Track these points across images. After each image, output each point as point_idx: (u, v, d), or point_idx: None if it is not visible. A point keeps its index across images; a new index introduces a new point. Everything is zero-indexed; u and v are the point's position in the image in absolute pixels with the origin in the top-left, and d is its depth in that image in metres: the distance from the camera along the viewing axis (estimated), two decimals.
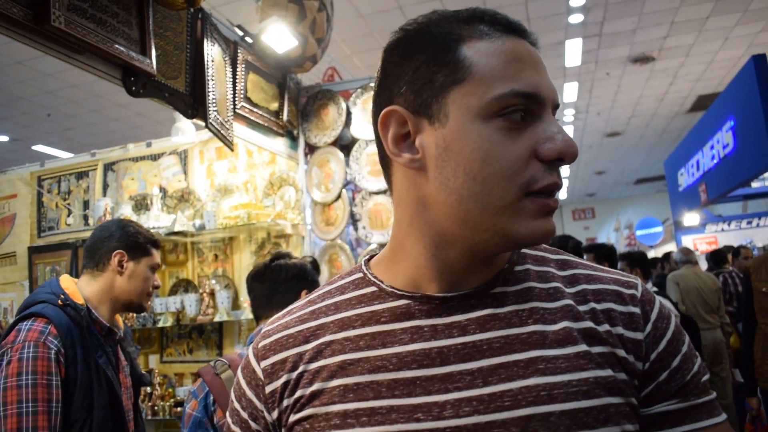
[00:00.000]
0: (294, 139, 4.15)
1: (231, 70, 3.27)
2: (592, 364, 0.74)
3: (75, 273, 4.33)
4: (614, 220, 20.02)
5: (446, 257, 0.79)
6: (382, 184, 3.94)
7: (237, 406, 0.86)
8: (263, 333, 0.88)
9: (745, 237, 10.91)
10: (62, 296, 1.99)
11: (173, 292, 4.25)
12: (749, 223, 11.26)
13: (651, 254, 12.48)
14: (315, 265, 2.43)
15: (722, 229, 11.05)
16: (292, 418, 0.79)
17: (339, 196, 4.04)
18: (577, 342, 0.76)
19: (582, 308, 0.80)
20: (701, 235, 11.21)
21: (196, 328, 4.21)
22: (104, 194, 4.46)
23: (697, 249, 10.46)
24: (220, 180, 4.21)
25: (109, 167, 4.55)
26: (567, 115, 11.91)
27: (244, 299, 3.96)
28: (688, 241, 10.93)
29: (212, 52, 2.99)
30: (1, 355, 1.82)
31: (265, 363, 0.83)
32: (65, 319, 1.93)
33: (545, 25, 8.08)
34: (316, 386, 0.78)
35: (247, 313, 3.81)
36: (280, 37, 3.50)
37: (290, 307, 0.90)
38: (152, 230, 3.86)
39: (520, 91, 0.71)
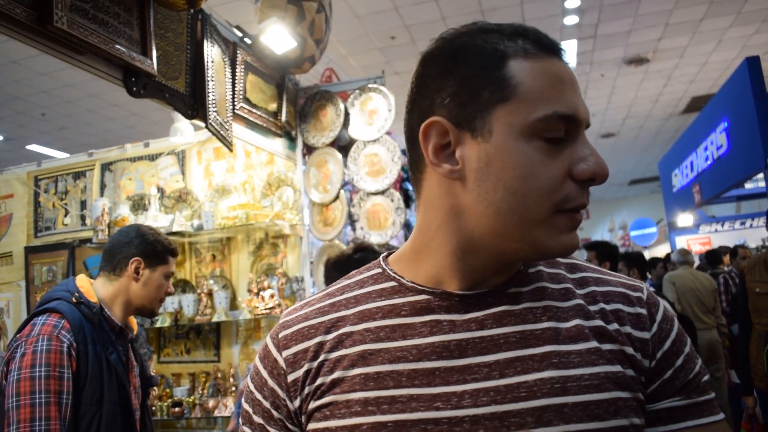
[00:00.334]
0: (292, 140, 4.16)
1: (230, 70, 3.28)
2: (602, 360, 0.79)
3: (72, 273, 4.33)
4: (608, 220, 20.09)
5: (472, 261, 0.82)
6: (380, 185, 3.95)
7: (258, 396, 0.87)
8: (282, 324, 0.89)
9: (739, 238, 10.95)
10: (76, 294, 2.05)
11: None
12: (743, 224, 11.31)
13: (649, 255, 12.51)
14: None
15: (716, 230, 11.11)
16: (312, 405, 0.81)
17: (337, 197, 4.05)
18: (589, 339, 0.80)
19: (592, 308, 0.85)
20: (695, 236, 11.26)
21: (194, 329, 4.21)
22: (102, 194, 4.46)
23: (691, 249, 10.50)
24: (218, 180, 4.21)
25: (106, 167, 4.55)
26: None
27: (242, 299, 3.97)
28: (682, 241, 10.98)
29: (212, 52, 3.00)
30: (15, 347, 1.87)
31: (287, 352, 0.85)
32: (78, 315, 1.99)
33: (540, 27, 7.89)
34: (336, 374, 0.80)
35: (245, 313, 3.82)
36: (278, 38, 3.51)
37: (308, 299, 0.93)
38: None
39: (562, 113, 0.75)
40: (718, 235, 11.12)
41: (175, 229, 3.88)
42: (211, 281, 4.12)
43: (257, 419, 0.86)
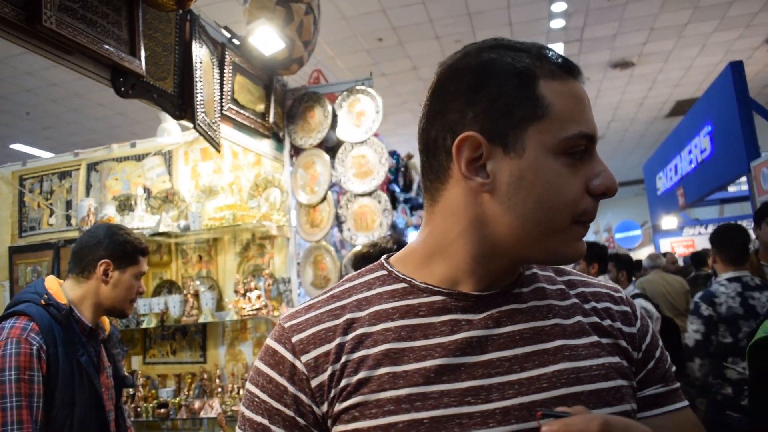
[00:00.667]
0: (280, 141, 4.16)
1: (218, 71, 3.28)
2: (604, 352, 0.88)
3: (57, 273, 4.30)
4: (594, 223, 20.13)
5: (490, 265, 0.87)
6: (367, 187, 3.96)
7: (277, 405, 0.84)
8: (291, 328, 0.88)
9: None
10: (45, 296, 2.03)
11: (157, 293, 4.23)
12: None
13: (634, 257, 12.56)
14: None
15: (699, 233, 11.20)
16: (339, 407, 0.82)
17: (324, 198, 4.05)
18: (590, 334, 0.90)
19: (586, 306, 0.94)
20: (679, 239, 11.36)
21: (180, 330, 4.19)
22: (87, 194, 4.43)
23: (675, 252, 10.58)
24: (205, 181, 4.20)
25: (92, 167, 4.52)
26: None
27: (229, 300, 3.96)
28: (666, 244, 11.07)
29: (200, 53, 2.99)
30: None
31: (307, 357, 0.84)
32: (47, 317, 1.97)
33: (527, 30, 8.15)
34: (362, 374, 0.82)
35: (231, 314, 3.81)
36: (267, 39, 3.51)
37: (311, 302, 0.92)
38: (136, 231, 3.85)
39: (586, 133, 0.82)
40: (701, 238, 11.20)
41: (161, 229, 3.86)
42: (198, 282, 4.11)
43: (277, 429, 0.84)
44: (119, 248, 2.19)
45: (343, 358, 0.83)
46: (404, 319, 0.86)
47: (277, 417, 0.84)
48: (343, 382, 0.82)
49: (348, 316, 0.87)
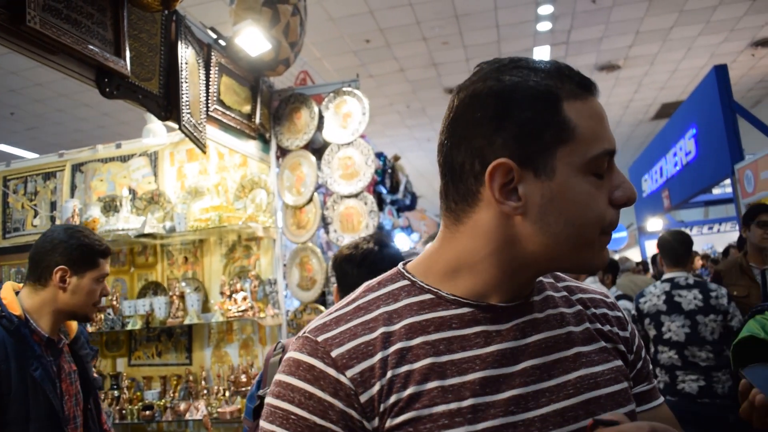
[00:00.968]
0: (266, 142, 4.15)
1: (204, 72, 3.27)
2: (611, 357, 0.93)
3: None
4: None
5: (519, 279, 0.89)
6: (354, 188, 3.96)
7: (323, 422, 0.80)
8: (327, 341, 0.85)
9: (707, 242, 11.15)
10: None
11: (142, 294, 4.21)
12: (710, 228, 11.52)
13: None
14: (400, 252, 2.28)
15: None
16: (390, 423, 0.81)
17: (310, 200, 4.05)
18: (598, 340, 0.95)
19: (588, 312, 0.99)
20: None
21: (165, 331, 4.18)
22: (72, 195, 4.40)
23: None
24: (191, 182, 4.18)
25: (77, 168, 4.49)
26: None
27: (215, 302, 3.95)
28: (651, 245, 11.12)
29: (186, 54, 2.98)
30: None
31: (352, 372, 0.82)
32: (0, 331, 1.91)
33: (514, 33, 8.19)
34: (411, 389, 0.81)
35: (217, 316, 3.80)
36: (253, 40, 3.50)
37: (337, 314, 0.90)
38: (121, 232, 3.84)
39: (609, 150, 0.85)
40: None
41: (146, 231, 3.84)
42: (183, 283, 4.09)
43: None
44: (76, 252, 2.08)
45: (389, 373, 0.82)
46: (439, 332, 0.86)
47: None
48: (393, 398, 0.81)
49: (383, 329, 0.86)
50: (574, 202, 0.82)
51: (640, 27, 8.26)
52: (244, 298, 3.76)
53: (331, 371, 0.82)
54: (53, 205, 4.48)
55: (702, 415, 3.50)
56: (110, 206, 4.16)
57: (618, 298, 5.14)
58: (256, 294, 3.87)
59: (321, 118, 4.08)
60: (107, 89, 2.48)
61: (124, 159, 4.40)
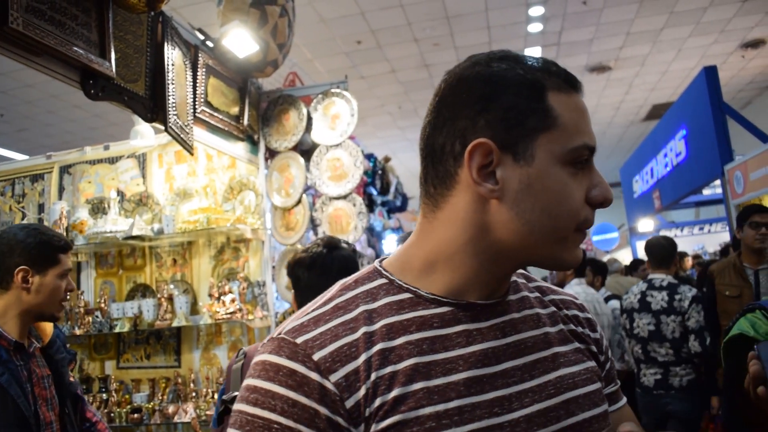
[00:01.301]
0: (254, 144, 4.15)
1: (191, 73, 3.26)
2: (585, 357, 0.95)
3: None
4: None
5: (496, 272, 0.89)
6: (342, 190, 3.96)
7: (309, 430, 0.76)
8: (307, 343, 0.80)
9: (697, 243, 11.19)
10: None
11: (131, 297, 4.19)
12: (701, 229, 11.55)
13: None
14: (354, 253, 2.27)
15: (675, 235, 11.29)
16: (376, 427, 0.78)
17: (299, 201, 4.05)
18: (572, 340, 0.96)
19: (561, 314, 1.00)
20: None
21: (154, 334, 4.16)
22: (60, 197, 4.38)
23: None
24: (180, 184, 4.17)
25: (65, 170, 4.47)
26: None
27: (203, 304, 3.94)
28: (642, 246, 11.15)
29: (173, 55, 2.97)
30: None
31: (335, 376, 0.78)
32: None
33: (505, 34, 8.20)
34: (396, 392, 0.79)
35: (206, 318, 3.79)
36: (241, 41, 3.50)
37: (315, 314, 0.86)
38: (109, 234, 3.83)
39: (589, 144, 0.85)
40: (677, 240, 11.28)
41: (134, 233, 3.83)
42: (172, 286, 4.08)
43: None
44: (35, 251, 2.06)
45: (373, 376, 0.79)
46: (422, 331, 0.84)
47: None
48: (377, 401, 0.78)
49: (364, 329, 0.83)
50: (551, 191, 0.83)
51: (631, 28, 8.29)
52: (233, 300, 3.75)
53: (314, 376, 0.78)
54: (41, 207, 4.46)
55: (657, 405, 4.02)
56: (98, 208, 4.14)
57: (607, 299, 5.18)
58: (245, 296, 3.86)
59: (309, 119, 4.07)
60: (92, 91, 2.46)
61: (113, 161, 4.38)
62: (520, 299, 0.95)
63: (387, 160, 6.34)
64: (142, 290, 4.20)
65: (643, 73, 10.15)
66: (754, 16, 8.19)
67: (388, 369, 0.80)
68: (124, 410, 3.86)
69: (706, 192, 9.22)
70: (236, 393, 1.42)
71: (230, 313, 3.70)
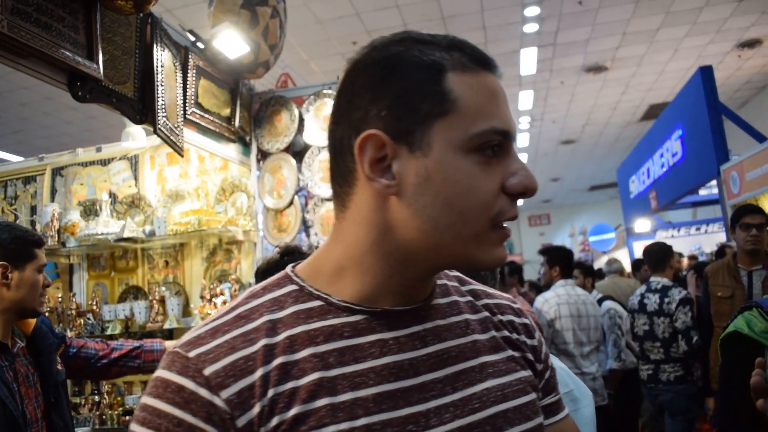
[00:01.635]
0: (246, 145, 4.14)
1: (182, 75, 3.25)
2: (518, 366, 0.87)
3: None
4: (569, 226, 20.33)
5: (408, 275, 0.81)
6: None
7: None
8: (199, 357, 0.74)
9: (694, 243, 11.18)
10: None
11: (122, 299, 4.18)
12: (698, 229, 11.53)
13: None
14: None
15: (672, 236, 11.29)
16: None
17: (291, 203, 4.04)
18: (505, 348, 0.88)
19: (494, 319, 0.92)
20: (652, 241, 11.42)
21: (146, 336, 4.14)
22: (52, 199, 4.37)
23: None
24: (171, 186, 4.16)
25: (57, 172, 4.46)
26: (523, 122, 12.07)
27: (195, 306, 3.93)
28: (639, 247, 11.14)
29: (162, 57, 2.96)
30: None
31: (227, 393, 0.71)
32: None
33: (501, 34, 8.19)
34: (296, 409, 0.72)
35: (197, 320, 3.78)
36: (232, 43, 3.49)
37: (214, 324, 0.79)
38: (101, 237, 3.82)
39: (499, 129, 0.76)
40: (674, 241, 11.28)
41: (126, 234, 3.81)
42: (164, 288, 4.07)
43: None
44: (12, 246, 2.09)
45: (270, 392, 0.72)
46: (329, 342, 0.77)
47: None
48: (275, 420, 0.71)
49: (264, 341, 0.75)
50: (453, 183, 0.74)
51: (627, 28, 8.28)
52: (224, 302, 3.74)
53: (204, 392, 0.70)
54: (33, 210, 4.45)
55: (651, 396, 4.46)
56: (90, 210, 4.13)
57: (600, 300, 5.17)
58: (236, 298, 3.84)
59: (301, 120, 4.06)
60: (80, 93, 2.46)
61: (105, 163, 4.37)
62: (448, 304, 0.88)
63: None
64: (134, 292, 4.19)
65: (640, 74, 10.14)
66: (750, 16, 8.18)
67: (289, 385, 0.73)
68: (116, 412, 3.84)
69: (703, 192, 9.21)
70: None
71: None
